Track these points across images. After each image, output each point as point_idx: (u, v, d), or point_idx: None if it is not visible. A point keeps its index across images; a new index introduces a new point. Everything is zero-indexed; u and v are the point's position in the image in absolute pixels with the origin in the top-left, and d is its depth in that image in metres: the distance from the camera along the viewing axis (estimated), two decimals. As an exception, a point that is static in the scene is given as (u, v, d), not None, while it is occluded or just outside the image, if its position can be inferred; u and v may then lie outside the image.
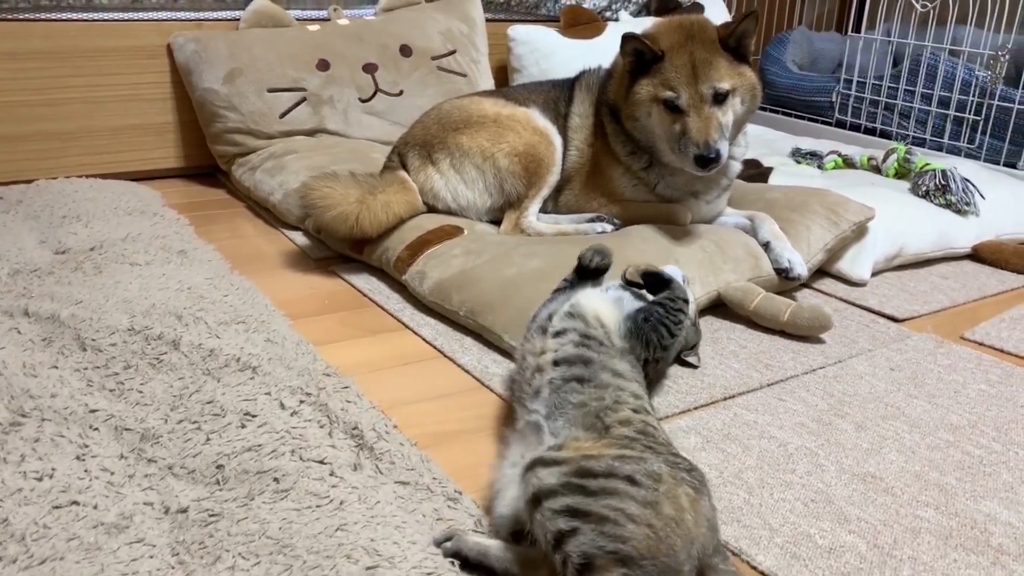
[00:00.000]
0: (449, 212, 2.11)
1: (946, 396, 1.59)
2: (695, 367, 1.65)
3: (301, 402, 1.34)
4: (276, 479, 1.14)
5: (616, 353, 1.29)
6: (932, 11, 3.27)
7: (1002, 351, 1.82)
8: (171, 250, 1.94)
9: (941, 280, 2.20)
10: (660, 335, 1.39)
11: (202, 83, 2.58)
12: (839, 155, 2.80)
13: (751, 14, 1.88)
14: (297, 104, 2.64)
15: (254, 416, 1.27)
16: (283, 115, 2.62)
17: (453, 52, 2.90)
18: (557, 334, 1.31)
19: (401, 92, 2.78)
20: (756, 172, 2.59)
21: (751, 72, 1.94)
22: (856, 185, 2.48)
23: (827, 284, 2.13)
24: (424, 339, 1.75)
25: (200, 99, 2.61)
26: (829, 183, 2.53)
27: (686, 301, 1.49)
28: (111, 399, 1.33)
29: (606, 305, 1.39)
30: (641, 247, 1.89)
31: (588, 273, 1.51)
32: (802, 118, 3.77)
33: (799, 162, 2.83)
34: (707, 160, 1.83)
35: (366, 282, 2.02)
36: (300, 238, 2.27)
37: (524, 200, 2.08)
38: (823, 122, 3.68)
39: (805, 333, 1.81)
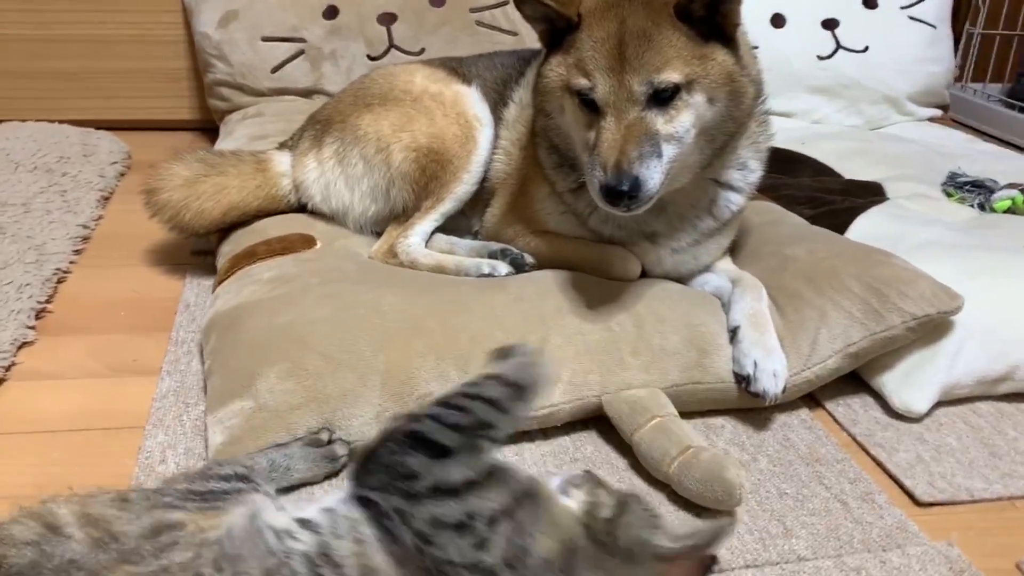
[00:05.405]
0: (324, 216, 1.57)
1: None
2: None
3: None
4: None
5: None
6: None
7: (1078, 617, 0.97)
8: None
9: (1076, 434, 1.29)
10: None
11: (199, 26, 2.24)
12: (1022, 191, 1.83)
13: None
14: (293, 57, 2.21)
15: None
16: (275, 69, 2.21)
17: (503, 3, 2.30)
18: (304, 523, 0.76)
19: (422, 50, 2.24)
20: (850, 205, 1.74)
21: (725, 54, 1.19)
22: (1009, 247, 1.56)
23: (850, 405, 1.32)
24: (156, 395, 1.27)
25: (197, 45, 2.27)
26: (966, 238, 1.63)
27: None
28: None
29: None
30: (502, 314, 1.25)
31: None
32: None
33: (950, 195, 1.89)
34: (616, 193, 1.14)
35: (199, 294, 1.56)
36: (207, 221, 1.85)
37: (413, 215, 1.49)
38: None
39: (695, 501, 1.08)
